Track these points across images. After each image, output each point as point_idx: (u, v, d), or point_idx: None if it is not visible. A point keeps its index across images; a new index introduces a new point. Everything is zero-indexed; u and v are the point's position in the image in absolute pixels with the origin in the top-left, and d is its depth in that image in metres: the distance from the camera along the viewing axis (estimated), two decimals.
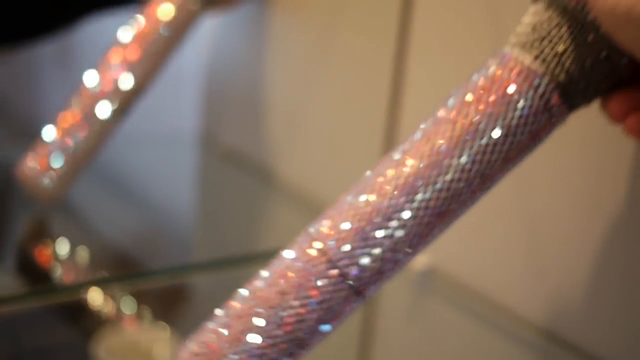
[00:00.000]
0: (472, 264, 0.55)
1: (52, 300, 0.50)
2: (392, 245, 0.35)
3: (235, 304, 0.36)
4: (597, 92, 0.36)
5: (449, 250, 0.55)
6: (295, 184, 0.69)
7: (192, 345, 0.36)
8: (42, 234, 0.60)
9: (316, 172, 0.68)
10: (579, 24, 0.35)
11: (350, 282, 0.35)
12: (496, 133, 0.35)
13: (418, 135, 0.37)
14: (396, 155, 0.37)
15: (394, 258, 0.36)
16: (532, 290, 0.51)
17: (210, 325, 0.36)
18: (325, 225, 0.36)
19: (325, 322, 0.36)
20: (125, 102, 0.59)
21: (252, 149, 0.74)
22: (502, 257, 0.53)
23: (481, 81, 0.36)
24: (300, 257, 0.36)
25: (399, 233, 0.35)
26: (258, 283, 0.36)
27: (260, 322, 0.35)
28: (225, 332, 0.35)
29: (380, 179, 0.36)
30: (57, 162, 0.56)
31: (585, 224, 0.47)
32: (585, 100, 0.37)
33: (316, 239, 0.36)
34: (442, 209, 0.36)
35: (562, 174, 0.49)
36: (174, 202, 0.70)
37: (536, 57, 0.35)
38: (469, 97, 0.36)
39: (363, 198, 0.36)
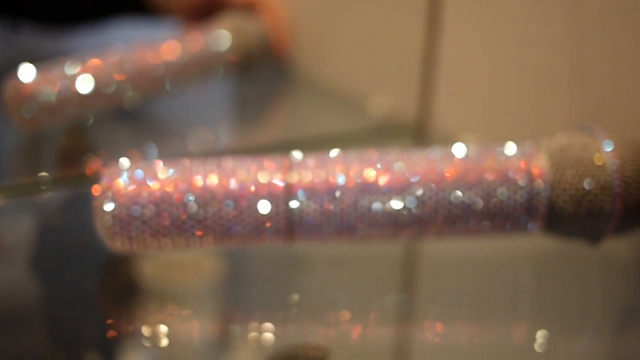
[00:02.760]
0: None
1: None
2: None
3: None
4: (576, 230, 0.38)
5: (499, 130, 0.55)
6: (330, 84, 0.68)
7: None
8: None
9: (353, 72, 0.67)
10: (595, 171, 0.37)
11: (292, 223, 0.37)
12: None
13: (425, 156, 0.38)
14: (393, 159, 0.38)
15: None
16: None
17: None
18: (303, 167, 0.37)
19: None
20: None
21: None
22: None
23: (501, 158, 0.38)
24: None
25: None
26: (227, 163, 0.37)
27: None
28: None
29: (369, 161, 0.38)
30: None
31: None
32: (563, 230, 0.38)
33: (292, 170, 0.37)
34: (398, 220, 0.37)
35: None
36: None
37: (552, 167, 0.37)
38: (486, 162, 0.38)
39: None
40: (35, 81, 0.55)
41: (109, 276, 0.42)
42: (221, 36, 0.64)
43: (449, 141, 0.58)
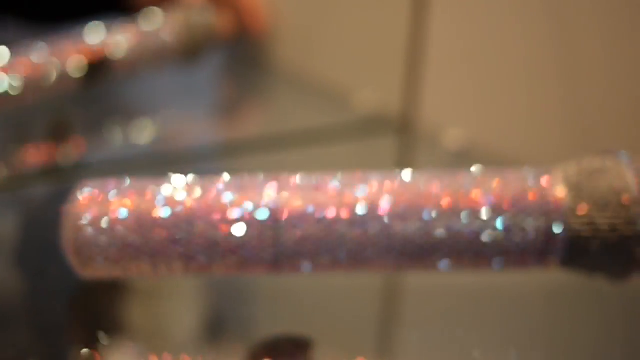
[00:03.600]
0: (512, 138, 0.52)
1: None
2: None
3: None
4: (598, 267, 0.34)
5: (487, 125, 0.54)
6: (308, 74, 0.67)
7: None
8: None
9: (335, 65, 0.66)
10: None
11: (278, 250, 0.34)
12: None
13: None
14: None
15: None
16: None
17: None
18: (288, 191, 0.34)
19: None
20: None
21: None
22: (544, 127, 0.51)
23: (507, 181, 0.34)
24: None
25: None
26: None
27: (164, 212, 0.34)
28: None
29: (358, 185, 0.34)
30: None
31: None
32: (583, 266, 0.34)
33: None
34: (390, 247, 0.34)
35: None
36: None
37: (572, 197, 0.33)
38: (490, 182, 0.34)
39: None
40: None
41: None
42: (168, 25, 0.63)
43: (435, 136, 0.57)
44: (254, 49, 0.70)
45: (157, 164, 0.51)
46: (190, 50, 0.65)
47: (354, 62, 0.64)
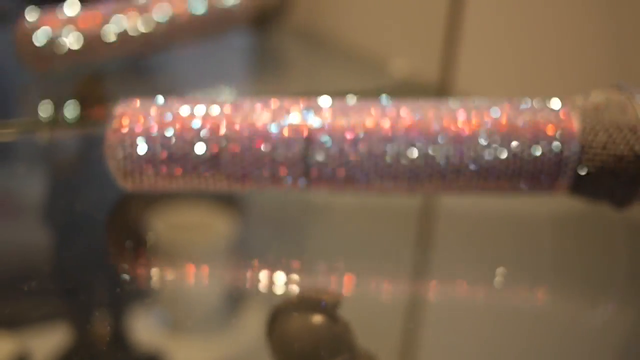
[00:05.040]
0: None
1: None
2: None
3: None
4: (604, 194, 0.35)
5: (523, 94, 0.53)
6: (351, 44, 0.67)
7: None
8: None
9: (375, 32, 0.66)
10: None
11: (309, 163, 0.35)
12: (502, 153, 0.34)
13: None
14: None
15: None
16: None
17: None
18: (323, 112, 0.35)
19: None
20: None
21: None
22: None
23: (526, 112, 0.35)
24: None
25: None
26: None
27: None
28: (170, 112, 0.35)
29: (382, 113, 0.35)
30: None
31: None
32: (590, 193, 0.35)
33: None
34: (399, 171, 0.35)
35: None
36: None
37: (584, 128, 0.34)
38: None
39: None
40: (45, 21, 0.53)
41: (118, 233, 0.40)
42: None
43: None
44: (292, 16, 0.70)
45: None
46: (262, 14, 0.65)
47: (391, 29, 0.64)
